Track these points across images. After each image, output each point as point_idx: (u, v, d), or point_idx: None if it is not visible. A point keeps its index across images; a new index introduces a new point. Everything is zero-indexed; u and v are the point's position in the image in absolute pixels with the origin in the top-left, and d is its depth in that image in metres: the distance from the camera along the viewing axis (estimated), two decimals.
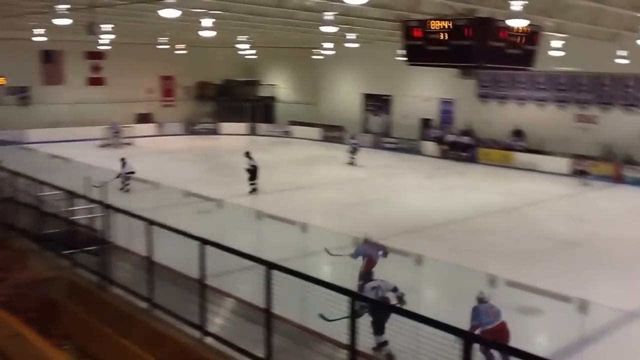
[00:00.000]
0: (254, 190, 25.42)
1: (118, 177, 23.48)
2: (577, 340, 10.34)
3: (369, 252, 13.93)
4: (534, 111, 35.46)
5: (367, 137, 42.11)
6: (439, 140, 38.50)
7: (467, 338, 5.50)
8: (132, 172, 24.25)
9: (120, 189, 21.07)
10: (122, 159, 24.85)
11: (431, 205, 24.64)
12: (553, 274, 15.64)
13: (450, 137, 37.92)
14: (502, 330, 10.91)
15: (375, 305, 9.07)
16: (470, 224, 21.96)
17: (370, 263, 13.83)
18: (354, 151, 34.50)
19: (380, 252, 13.92)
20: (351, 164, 34.15)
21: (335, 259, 13.92)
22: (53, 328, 6.12)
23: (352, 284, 11.82)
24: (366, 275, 12.02)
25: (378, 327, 9.79)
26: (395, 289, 10.90)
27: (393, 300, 10.46)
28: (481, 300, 11.01)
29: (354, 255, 13.95)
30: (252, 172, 25.83)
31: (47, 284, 6.73)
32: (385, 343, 9.96)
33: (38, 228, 12.15)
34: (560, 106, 34.37)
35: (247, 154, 26.24)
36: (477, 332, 10.59)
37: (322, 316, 8.53)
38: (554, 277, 14.87)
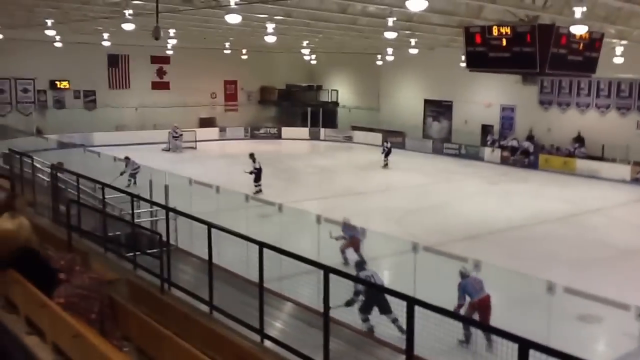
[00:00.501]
0: (258, 192, 25.48)
1: (122, 174, 23.81)
2: (636, 349, 10.10)
3: (355, 233, 16.45)
4: (595, 118, 34.83)
5: (427, 142, 42.02)
6: (499, 147, 38.07)
7: (523, 343, 5.37)
8: (138, 168, 24.64)
9: (127, 187, 21.44)
10: (126, 157, 25.28)
11: (491, 211, 24.33)
12: (613, 282, 15.27)
13: (511, 143, 37.44)
14: (487, 303, 12.04)
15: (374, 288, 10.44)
16: (530, 230, 21.63)
17: (354, 242, 16.48)
18: (387, 154, 35.25)
19: (359, 234, 16.36)
20: (386, 166, 34.88)
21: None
22: (114, 329, 6.18)
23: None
24: (360, 264, 13.22)
25: (365, 309, 11.09)
26: (382, 285, 11.75)
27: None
28: (464, 275, 12.10)
29: (347, 236, 16.48)
30: (257, 175, 26.00)
31: (108, 286, 6.81)
32: (367, 319, 11.22)
33: (101, 230, 12.38)
34: (622, 113, 33.68)
35: (252, 156, 26.49)
36: (465, 305, 11.93)
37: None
38: (614, 285, 14.51)
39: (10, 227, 6.32)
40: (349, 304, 10.27)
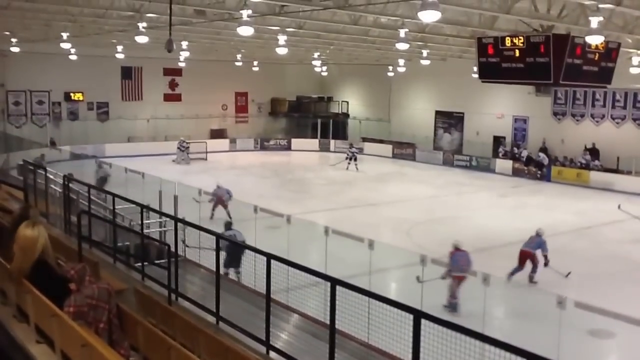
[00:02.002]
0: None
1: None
2: None
3: (219, 193, 22.53)
4: (611, 129, 34.66)
5: (438, 154, 42.08)
6: (512, 158, 38.01)
7: (531, 359, 5.37)
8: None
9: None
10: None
11: (502, 224, 24.24)
12: (627, 297, 15.22)
13: (524, 155, 37.38)
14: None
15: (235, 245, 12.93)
16: None
17: (220, 200, 22.44)
18: (351, 158, 37.62)
19: (227, 195, 22.65)
20: (349, 169, 37.48)
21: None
22: (122, 339, 6.25)
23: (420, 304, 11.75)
24: (227, 224, 16.34)
25: (227, 262, 13.52)
26: (243, 242, 14.34)
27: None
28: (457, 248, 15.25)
29: (211, 198, 22.04)
30: (102, 182, 25.96)
31: (117, 296, 6.87)
32: (227, 274, 13.79)
33: (111, 240, 12.47)
34: (638, 124, 33.57)
35: (100, 165, 26.37)
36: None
37: (183, 241, 10.73)
38: (628, 300, 14.48)
39: (30, 234, 6.41)
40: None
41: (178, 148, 39.56)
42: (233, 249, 13.56)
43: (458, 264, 14.68)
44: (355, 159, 38.07)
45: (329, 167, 38.87)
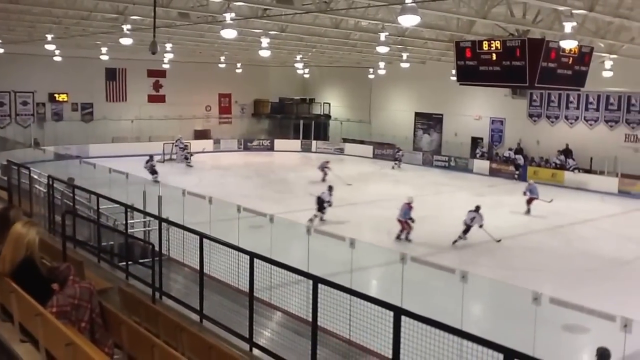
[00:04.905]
0: None
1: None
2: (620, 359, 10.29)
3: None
4: (584, 131, 35.27)
5: (418, 155, 42.53)
6: (489, 159, 38.48)
7: (508, 353, 5.53)
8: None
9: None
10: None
11: None
12: (600, 292, 15.53)
13: (501, 156, 37.82)
14: None
15: None
16: (518, 241, 21.86)
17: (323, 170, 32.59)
18: (398, 160, 40.59)
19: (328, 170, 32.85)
20: (392, 168, 40.20)
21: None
22: (105, 337, 6.36)
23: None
24: (329, 187, 24.01)
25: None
26: (328, 201, 23.46)
27: None
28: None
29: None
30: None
31: (101, 295, 6.98)
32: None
33: (95, 240, 12.59)
34: (610, 126, 34.13)
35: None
36: None
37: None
38: (601, 296, 14.79)
39: (19, 230, 6.51)
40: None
41: (177, 147, 39.55)
42: (319, 201, 23.35)
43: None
44: (400, 160, 40.33)
45: (385, 170, 39.90)
